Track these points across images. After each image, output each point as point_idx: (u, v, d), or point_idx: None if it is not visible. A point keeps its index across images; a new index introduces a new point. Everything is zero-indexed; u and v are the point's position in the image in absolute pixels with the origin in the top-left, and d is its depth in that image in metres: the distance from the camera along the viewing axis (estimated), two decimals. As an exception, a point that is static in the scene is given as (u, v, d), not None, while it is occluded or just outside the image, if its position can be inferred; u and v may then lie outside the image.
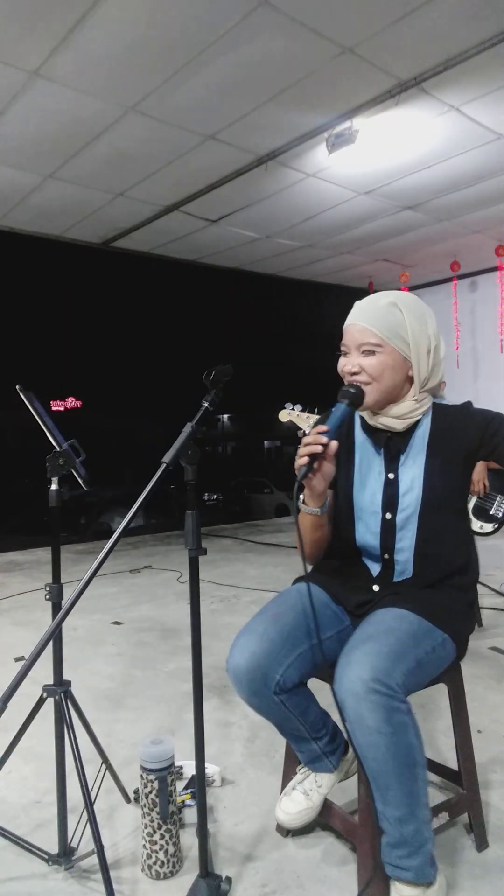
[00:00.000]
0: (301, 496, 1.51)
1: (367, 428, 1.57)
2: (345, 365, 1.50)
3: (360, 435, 1.60)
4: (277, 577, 4.75)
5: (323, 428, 1.40)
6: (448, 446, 1.49)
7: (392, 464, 1.53)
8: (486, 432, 1.47)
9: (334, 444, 1.40)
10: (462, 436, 1.49)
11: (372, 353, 1.47)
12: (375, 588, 1.58)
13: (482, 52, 3.33)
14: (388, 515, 1.52)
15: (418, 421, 1.52)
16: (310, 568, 1.63)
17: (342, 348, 1.52)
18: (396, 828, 1.34)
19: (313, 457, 1.39)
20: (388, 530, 1.53)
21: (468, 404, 1.56)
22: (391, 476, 1.53)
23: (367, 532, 1.56)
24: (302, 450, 1.41)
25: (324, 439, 1.39)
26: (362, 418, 1.58)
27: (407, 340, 1.49)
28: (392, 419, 1.51)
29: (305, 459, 1.39)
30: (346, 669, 1.32)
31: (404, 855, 1.36)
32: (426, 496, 1.49)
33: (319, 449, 1.39)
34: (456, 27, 3.16)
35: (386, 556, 1.56)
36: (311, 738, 1.61)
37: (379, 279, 8.06)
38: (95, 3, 2.90)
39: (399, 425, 1.51)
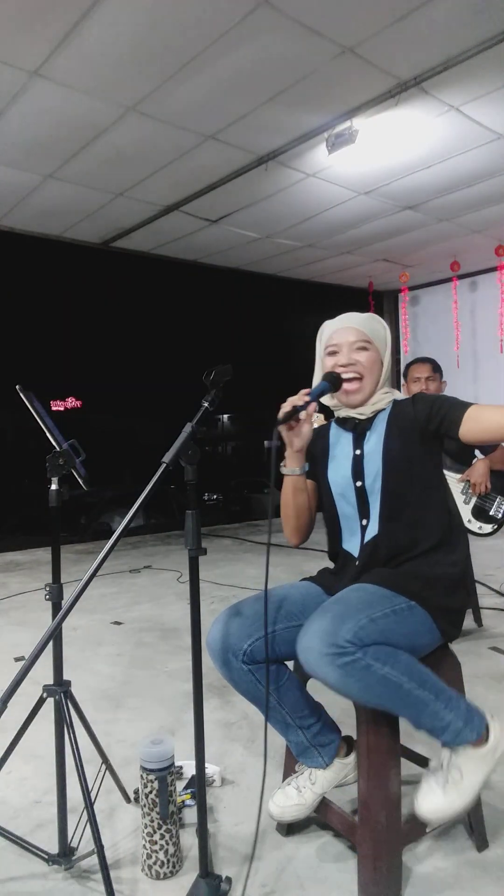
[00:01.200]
0: (282, 463, 1.70)
1: (337, 422, 1.80)
2: (338, 360, 1.71)
3: (333, 434, 1.81)
4: (277, 577, 4.75)
5: (306, 391, 1.62)
6: (404, 422, 1.68)
7: (359, 442, 1.73)
8: (431, 408, 1.65)
9: (313, 405, 1.60)
10: (414, 414, 1.68)
11: (364, 349, 1.70)
12: (357, 563, 1.68)
13: (482, 52, 3.33)
14: (359, 483, 1.70)
15: (382, 410, 1.73)
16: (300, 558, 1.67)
17: (332, 348, 1.72)
18: (423, 725, 1.47)
19: (294, 409, 1.56)
20: (362, 496, 1.70)
21: (418, 395, 1.75)
22: (358, 452, 1.72)
23: (347, 504, 1.72)
24: (288, 402, 1.59)
25: (307, 398, 1.58)
26: (335, 419, 1.80)
27: (385, 345, 1.75)
28: (359, 409, 1.72)
29: (289, 407, 1.57)
30: (299, 644, 1.42)
31: (443, 731, 1.47)
32: (385, 460, 1.66)
33: (301, 402, 1.57)
34: (456, 27, 3.16)
35: (364, 521, 1.69)
36: (297, 727, 1.65)
37: (379, 279, 8.06)
38: (95, 3, 2.90)
39: (367, 411, 1.72)
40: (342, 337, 1.72)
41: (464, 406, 1.61)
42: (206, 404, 1.42)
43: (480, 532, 3.21)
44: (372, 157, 4.56)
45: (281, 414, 1.57)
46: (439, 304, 8.11)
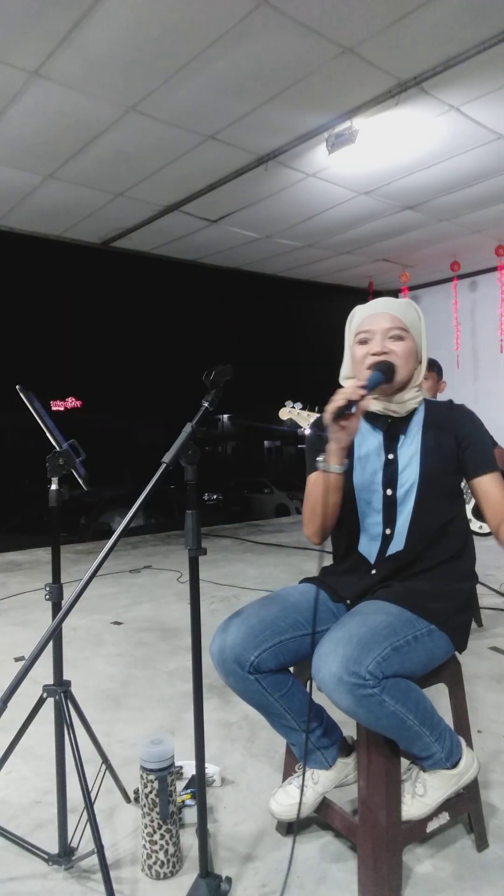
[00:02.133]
0: (320, 458, 1.55)
1: (366, 416, 1.68)
2: (371, 349, 1.60)
3: (363, 429, 1.70)
4: (277, 577, 4.75)
5: (361, 382, 1.50)
6: (441, 432, 1.62)
7: (391, 445, 1.65)
8: (465, 438, 1.61)
9: (368, 399, 1.51)
10: (452, 425, 1.62)
11: (401, 338, 1.60)
12: (373, 572, 1.64)
13: (482, 52, 3.33)
14: (389, 492, 1.63)
15: (415, 409, 1.66)
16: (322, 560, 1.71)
17: (363, 335, 1.61)
18: (411, 751, 1.52)
19: (349, 403, 1.45)
20: (390, 506, 1.63)
21: (460, 405, 1.69)
22: (391, 456, 1.64)
23: (371, 510, 1.65)
24: (340, 394, 1.46)
25: (362, 391, 1.46)
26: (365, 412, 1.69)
27: (421, 337, 1.65)
28: (396, 405, 1.64)
29: (342, 401, 1.45)
30: (318, 661, 1.41)
31: (425, 759, 1.54)
32: (423, 471, 1.60)
33: (356, 396, 1.45)
34: (456, 27, 3.16)
35: (387, 531, 1.64)
36: (301, 731, 1.63)
37: (379, 279, 8.06)
38: (95, 3, 2.90)
39: (401, 410, 1.64)
40: (376, 323, 1.60)
41: (492, 465, 1.60)
42: (206, 404, 1.42)
43: (481, 531, 3.21)
44: (372, 157, 4.56)
45: (332, 408, 1.44)
46: (439, 304, 8.11)
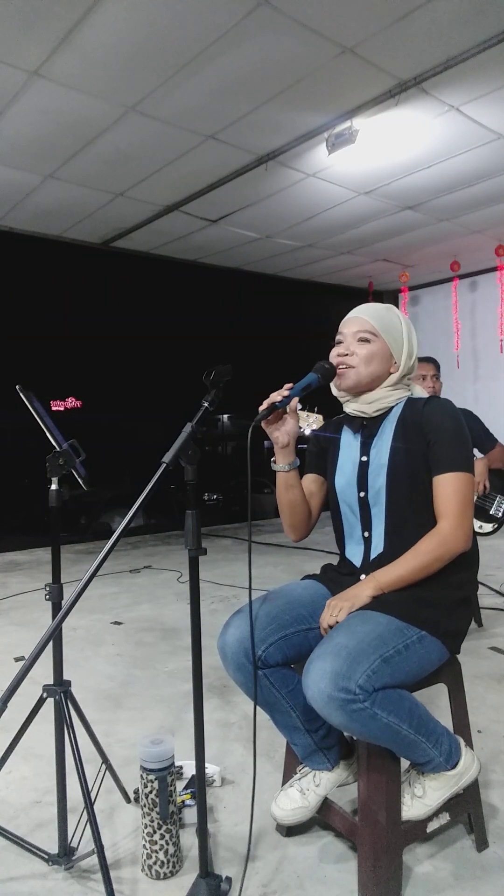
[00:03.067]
0: (272, 459, 1.69)
1: (345, 420, 1.74)
2: (339, 349, 1.66)
3: (345, 433, 1.75)
4: (277, 576, 4.74)
5: (289, 385, 1.60)
6: (413, 432, 1.61)
7: (365, 447, 1.68)
8: (430, 434, 1.59)
9: (294, 401, 1.60)
10: (422, 422, 1.61)
11: (367, 340, 1.63)
12: (362, 577, 1.63)
13: (482, 52, 3.33)
14: (362, 493, 1.65)
15: (391, 409, 1.67)
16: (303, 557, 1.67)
17: (338, 338, 1.68)
18: (408, 758, 1.52)
19: (272, 406, 1.56)
20: (365, 507, 1.65)
21: (433, 397, 1.67)
22: (364, 458, 1.67)
23: (350, 513, 1.69)
24: (273, 395, 1.59)
25: (286, 392, 1.58)
26: (344, 416, 1.74)
27: (399, 340, 1.65)
28: (363, 405, 1.66)
29: (266, 405, 1.56)
30: (307, 678, 1.40)
31: (424, 764, 1.54)
32: (390, 472, 1.60)
33: (279, 398, 1.56)
34: (456, 27, 3.16)
35: (366, 534, 1.66)
36: (306, 730, 1.63)
37: (379, 279, 8.06)
38: (95, 4, 2.90)
39: (369, 409, 1.66)
40: (347, 327, 1.67)
41: (453, 464, 1.56)
42: (206, 404, 1.42)
43: (481, 531, 3.21)
44: (372, 157, 4.56)
45: (260, 410, 1.55)
46: (439, 304, 8.11)
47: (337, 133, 4.11)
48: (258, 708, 1.66)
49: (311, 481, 1.81)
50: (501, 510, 3.19)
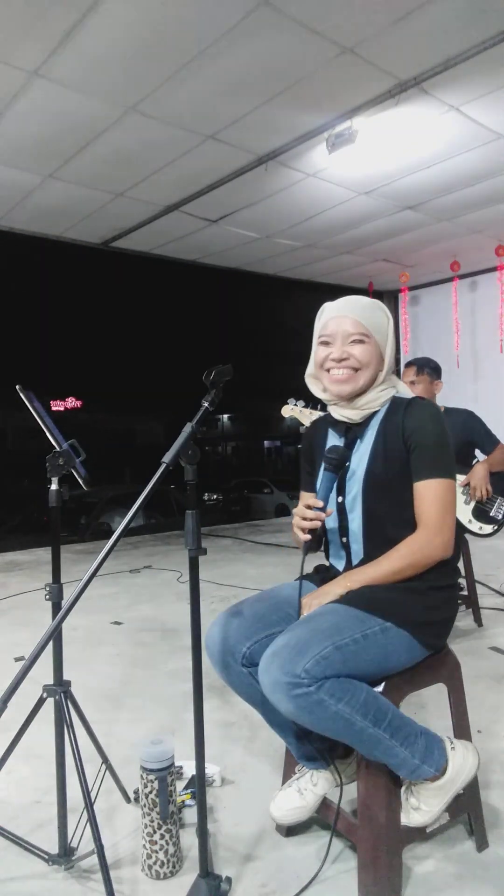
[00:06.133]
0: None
1: (330, 422, 1.71)
2: (330, 353, 1.60)
3: (331, 437, 1.72)
4: (277, 576, 4.75)
5: (318, 504, 1.54)
6: (393, 437, 1.58)
7: (349, 452, 1.64)
8: (410, 438, 1.55)
9: (329, 510, 1.58)
10: (402, 424, 1.57)
11: (361, 342, 1.58)
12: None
13: (482, 52, 3.33)
14: (340, 499, 1.63)
15: (375, 412, 1.63)
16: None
17: (326, 337, 1.61)
18: (376, 759, 1.45)
19: (314, 532, 1.55)
20: (342, 513, 1.64)
21: (415, 400, 1.62)
22: (347, 463, 1.63)
23: (331, 519, 1.67)
24: (303, 524, 1.54)
25: (322, 515, 1.54)
26: (329, 416, 1.72)
27: (386, 339, 1.62)
28: (351, 410, 1.63)
29: (308, 536, 1.54)
30: (261, 666, 1.41)
31: (399, 767, 1.47)
32: (367, 479, 1.58)
33: (318, 525, 1.54)
34: (456, 27, 3.16)
35: (344, 539, 1.65)
36: (300, 730, 1.62)
37: (379, 279, 8.06)
38: (95, 4, 2.90)
39: (356, 416, 1.63)
40: (338, 326, 1.59)
41: (433, 471, 1.53)
42: (206, 404, 1.42)
43: (481, 532, 3.21)
44: (372, 157, 4.56)
45: (300, 542, 1.55)
46: (439, 304, 8.11)
47: (337, 133, 4.11)
48: (256, 709, 1.66)
49: (307, 499, 1.76)
50: (502, 512, 3.19)
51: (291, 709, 1.35)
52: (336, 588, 1.53)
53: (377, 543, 1.58)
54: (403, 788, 1.54)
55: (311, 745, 1.66)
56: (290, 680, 1.32)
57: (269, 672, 1.36)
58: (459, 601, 2.68)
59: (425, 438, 1.54)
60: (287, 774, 1.77)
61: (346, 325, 1.59)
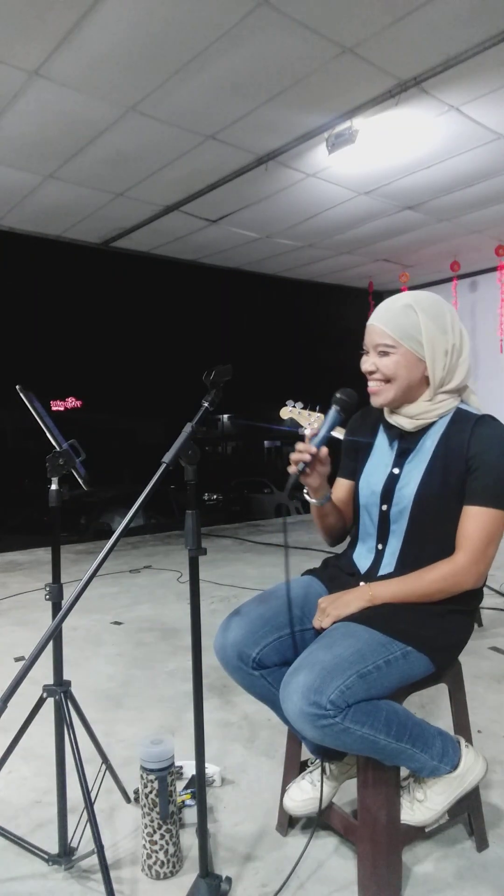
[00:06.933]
0: (305, 491, 1.63)
1: (385, 423, 1.63)
2: (364, 364, 1.56)
3: (381, 436, 1.66)
4: (277, 576, 4.74)
5: (311, 433, 1.54)
6: (455, 454, 1.49)
7: (400, 460, 1.58)
8: (472, 460, 1.47)
9: (324, 450, 1.54)
10: (467, 444, 1.48)
11: (386, 353, 1.51)
12: (361, 584, 1.59)
13: (482, 52, 3.32)
14: (385, 507, 1.58)
15: (433, 423, 1.55)
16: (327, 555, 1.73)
17: (364, 349, 1.57)
18: (398, 765, 1.48)
19: (303, 467, 1.53)
20: (384, 521, 1.59)
21: (486, 418, 1.52)
22: (396, 471, 1.58)
23: (369, 520, 1.63)
24: (294, 456, 1.53)
25: (313, 449, 1.52)
26: (382, 420, 1.65)
27: (421, 341, 1.49)
28: (403, 418, 1.56)
29: (294, 469, 1.53)
30: (283, 690, 1.39)
31: (417, 770, 1.50)
32: (419, 493, 1.51)
33: (307, 458, 1.52)
34: (456, 27, 3.15)
35: (379, 546, 1.61)
36: None
37: (379, 279, 8.06)
38: (95, 3, 2.90)
39: (409, 425, 1.55)
40: (368, 337, 1.54)
41: (489, 499, 1.45)
42: (206, 404, 1.41)
43: None
44: (372, 157, 4.56)
45: (290, 480, 1.53)
46: (439, 304, 8.09)
47: (337, 133, 4.11)
48: (262, 705, 1.65)
49: (342, 487, 1.74)
50: None
51: (317, 737, 1.35)
52: (358, 601, 1.49)
53: (412, 559, 1.54)
54: (412, 781, 1.55)
55: None
56: (316, 712, 1.32)
57: (292, 700, 1.35)
58: None
59: (489, 462, 1.45)
60: (287, 774, 1.77)
61: (374, 336, 1.52)
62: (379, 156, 4.54)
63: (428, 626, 1.48)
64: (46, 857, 1.61)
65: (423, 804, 1.51)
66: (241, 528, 7.36)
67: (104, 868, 1.45)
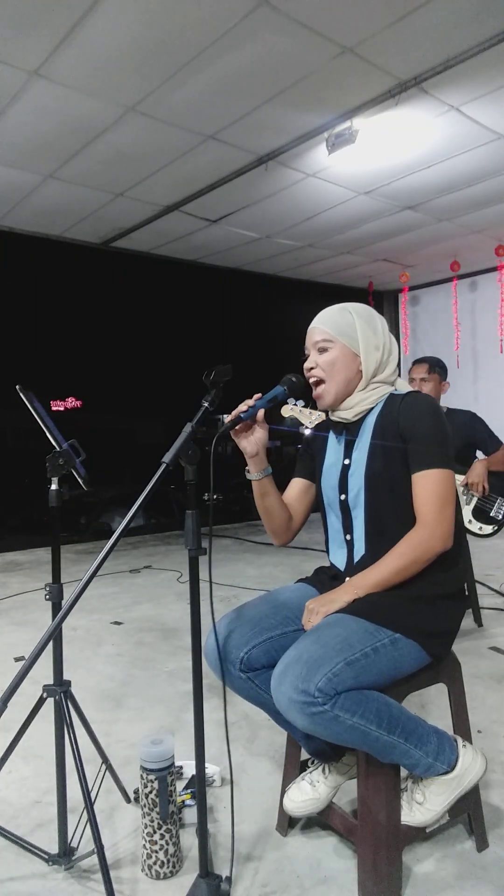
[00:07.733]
0: (246, 468, 1.70)
1: (330, 425, 1.73)
2: (306, 364, 1.66)
3: (330, 436, 1.75)
4: (277, 576, 4.74)
5: (257, 395, 1.61)
6: (390, 430, 1.58)
7: (348, 450, 1.67)
8: (406, 431, 1.56)
9: (260, 412, 1.60)
10: (398, 419, 1.58)
11: (325, 349, 1.62)
12: (346, 580, 1.62)
13: (482, 52, 3.33)
14: (343, 497, 1.65)
15: (370, 410, 1.64)
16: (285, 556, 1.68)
17: (305, 352, 1.68)
18: (392, 762, 1.48)
19: (238, 418, 1.58)
20: (346, 511, 1.65)
21: (411, 393, 1.62)
22: (346, 462, 1.67)
23: (334, 516, 1.69)
24: (235, 410, 1.60)
25: (250, 402, 1.60)
26: (329, 419, 1.73)
27: (355, 337, 1.61)
28: (344, 411, 1.65)
29: (229, 417, 1.58)
30: (273, 683, 1.41)
31: (412, 767, 1.50)
32: (367, 474, 1.59)
33: (244, 408, 1.58)
34: (456, 27, 3.16)
35: (348, 536, 1.66)
36: None
37: (379, 279, 8.06)
38: (95, 3, 2.90)
39: (349, 415, 1.65)
40: (308, 338, 1.67)
41: (429, 462, 1.52)
42: (206, 404, 1.42)
43: (481, 533, 3.21)
44: (372, 157, 4.56)
45: (226, 421, 1.56)
46: (439, 304, 8.11)
47: (337, 133, 4.11)
48: (258, 708, 1.66)
49: (295, 486, 1.82)
50: (502, 512, 3.19)
51: (307, 725, 1.36)
52: (343, 596, 1.52)
53: (380, 539, 1.58)
54: (410, 782, 1.55)
55: (321, 741, 1.66)
56: (304, 699, 1.32)
57: (282, 690, 1.36)
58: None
59: (421, 430, 1.54)
60: (287, 774, 1.77)
61: (314, 335, 1.64)
62: (379, 156, 4.55)
63: (415, 613, 1.50)
64: (46, 857, 1.61)
65: (422, 806, 1.51)
66: (241, 528, 7.36)
67: (104, 868, 1.45)
